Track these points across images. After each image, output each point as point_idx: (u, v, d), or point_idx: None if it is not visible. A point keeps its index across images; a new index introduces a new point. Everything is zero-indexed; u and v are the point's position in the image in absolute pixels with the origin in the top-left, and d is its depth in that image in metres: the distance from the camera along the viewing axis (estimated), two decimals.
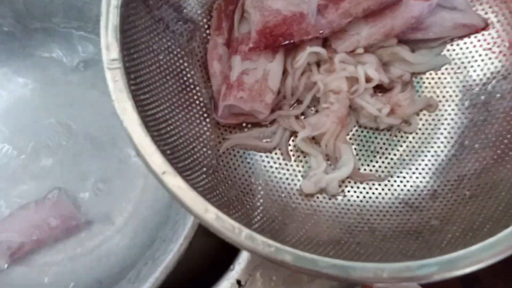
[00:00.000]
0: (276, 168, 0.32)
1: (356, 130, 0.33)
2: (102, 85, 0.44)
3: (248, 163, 0.31)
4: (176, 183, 0.21)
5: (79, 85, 0.45)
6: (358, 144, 0.33)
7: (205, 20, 0.34)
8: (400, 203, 0.30)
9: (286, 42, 0.31)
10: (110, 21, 0.24)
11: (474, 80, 0.33)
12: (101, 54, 0.23)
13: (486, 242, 0.21)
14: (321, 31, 0.31)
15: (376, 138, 0.33)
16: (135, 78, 0.26)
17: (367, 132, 0.33)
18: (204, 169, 0.28)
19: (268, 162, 0.32)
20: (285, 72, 0.32)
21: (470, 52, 0.33)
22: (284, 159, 0.32)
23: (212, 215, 0.21)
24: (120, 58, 0.23)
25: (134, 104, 0.23)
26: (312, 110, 0.33)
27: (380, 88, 0.33)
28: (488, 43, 0.33)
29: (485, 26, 0.33)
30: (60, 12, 0.43)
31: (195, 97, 0.32)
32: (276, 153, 0.33)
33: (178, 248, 0.33)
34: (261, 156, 0.32)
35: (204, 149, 0.30)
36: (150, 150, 0.22)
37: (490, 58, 0.32)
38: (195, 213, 0.21)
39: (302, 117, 0.33)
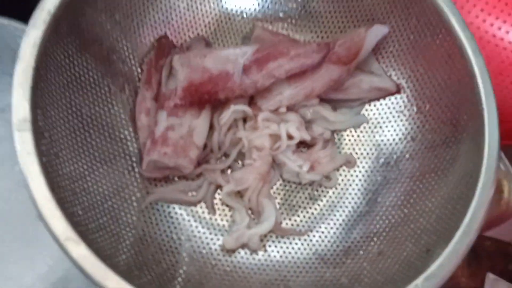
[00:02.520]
0: (200, 222, 0.32)
1: (280, 184, 0.35)
2: None
3: (172, 217, 0.32)
4: (77, 250, 0.21)
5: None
6: (281, 198, 0.34)
7: (136, 73, 0.34)
8: (316, 258, 0.31)
9: (212, 99, 0.32)
10: (24, 81, 0.24)
11: (388, 139, 0.35)
12: (11, 114, 0.23)
13: None
14: (245, 91, 0.33)
15: (298, 192, 0.34)
16: (50, 136, 0.25)
17: (290, 186, 0.35)
18: (122, 226, 0.28)
19: (193, 216, 0.32)
20: (212, 127, 0.33)
21: (385, 113, 0.36)
22: (209, 213, 0.33)
23: (112, 283, 0.20)
24: (31, 119, 0.23)
25: (43, 166, 0.22)
26: (239, 163, 0.34)
27: (304, 144, 0.35)
28: (400, 106, 0.36)
29: (397, 90, 0.36)
30: None
31: (121, 149, 0.32)
32: (201, 207, 0.33)
33: None
34: (185, 210, 0.32)
35: (125, 205, 0.29)
36: (54, 214, 0.21)
37: (401, 120, 0.35)
38: (96, 281, 0.20)
39: (229, 170, 0.34)
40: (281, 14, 0.38)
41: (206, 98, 0.32)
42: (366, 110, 0.37)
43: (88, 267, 0.21)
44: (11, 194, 0.39)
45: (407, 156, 0.34)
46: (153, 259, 0.27)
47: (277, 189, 0.34)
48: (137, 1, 0.33)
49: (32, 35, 0.24)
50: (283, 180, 0.35)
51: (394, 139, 0.35)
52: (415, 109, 0.35)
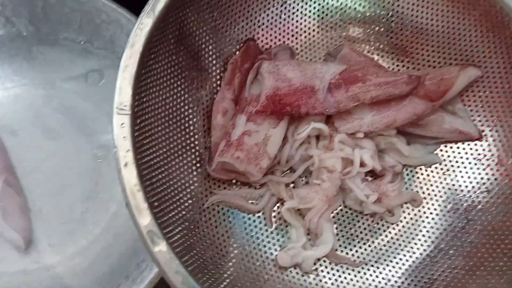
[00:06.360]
0: (256, 232, 0.32)
1: (341, 210, 0.34)
2: (96, 99, 0.44)
3: (230, 222, 0.31)
4: (157, 248, 0.21)
5: (74, 94, 0.45)
6: (340, 224, 0.33)
7: (217, 71, 0.34)
8: None
9: (293, 112, 0.32)
10: (130, 66, 0.24)
11: (460, 185, 0.34)
12: (114, 96, 0.23)
13: None
14: (327, 109, 0.32)
15: (358, 221, 0.33)
16: (140, 123, 0.25)
17: (351, 214, 0.34)
18: (186, 223, 0.27)
19: (249, 225, 0.32)
20: (284, 139, 0.33)
21: (461, 157, 0.35)
22: (265, 225, 0.32)
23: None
24: (131, 104, 0.23)
25: (135, 152, 0.22)
26: (302, 180, 0.34)
27: (371, 172, 0.34)
28: (479, 154, 0.34)
29: (479, 137, 0.34)
30: (75, 24, 0.43)
31: (192, 145, 0.32)
32: (258, 217, 0.32)
33: None
34: (243, 217, 0.32)
35: (190, 201, 0.29)
36: (141, 206, 0.21)
37: (478, 168, 0.34)
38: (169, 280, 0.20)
39: (292, 185, 0.34)
40: (371, 38, 0.37)
41: (288, 110, 0.31)
42: (441, 150, 0.35)
43: (163, 263, 0.20)
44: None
45: (479, 207, 0.32)
46: (212, 263, 0.27)
47: (337, 214, 0.34)
48: (235, 2, 0.33)
49: (145, 23, 0.24)
50: (345, 207, 0.34)
51: (466, 186, 0.34)
52: (495, 160, 0.33)
